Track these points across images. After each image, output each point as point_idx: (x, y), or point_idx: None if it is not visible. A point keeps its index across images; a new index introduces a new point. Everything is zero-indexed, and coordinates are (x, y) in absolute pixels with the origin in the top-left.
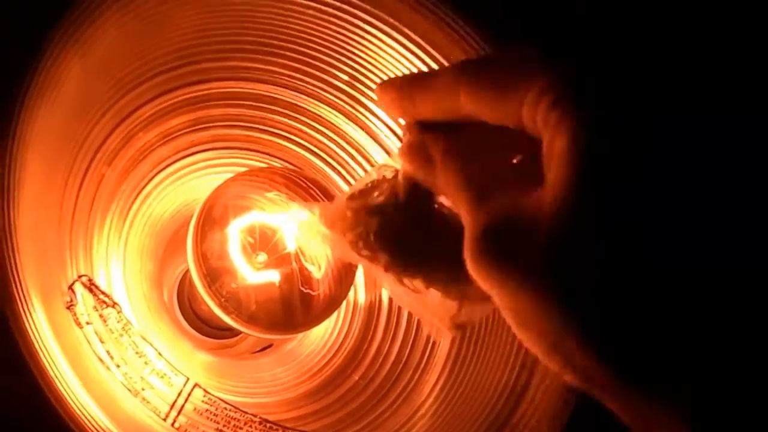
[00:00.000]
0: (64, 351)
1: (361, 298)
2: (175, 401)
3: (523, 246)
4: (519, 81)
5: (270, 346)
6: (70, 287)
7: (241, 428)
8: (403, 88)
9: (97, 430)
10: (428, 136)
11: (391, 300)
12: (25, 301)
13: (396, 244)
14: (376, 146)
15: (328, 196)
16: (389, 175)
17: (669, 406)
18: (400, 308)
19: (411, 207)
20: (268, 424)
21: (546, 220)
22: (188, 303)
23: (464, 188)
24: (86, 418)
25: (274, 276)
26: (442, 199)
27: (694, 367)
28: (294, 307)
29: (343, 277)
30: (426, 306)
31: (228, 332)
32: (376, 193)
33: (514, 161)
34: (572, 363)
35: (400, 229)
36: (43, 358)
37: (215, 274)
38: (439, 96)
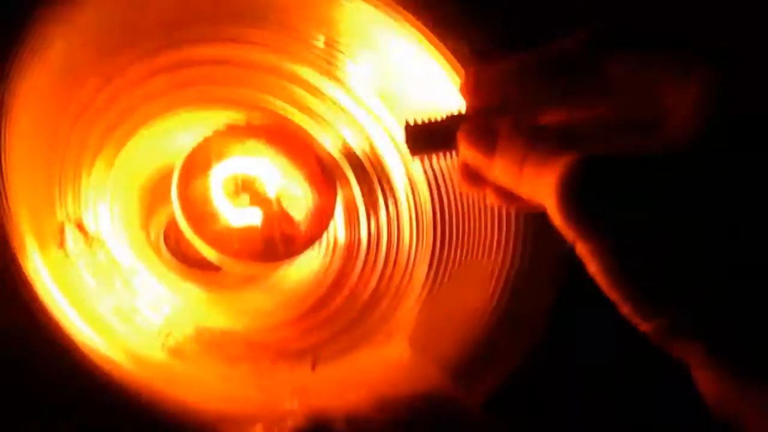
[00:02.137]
0: (59, 284)
1: (341, 236)
2: (164, 327)
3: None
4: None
5: (253, 280)
6: (61, 228)
7: (227, 349)
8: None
9: (93, 351)
10: (494, 115)
11: (369, 236)
12: (21, 241)
13: None
14: (351, 99)
15: (306, 147)
16: None
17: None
18: (378, 244)
19: None
20: (252, 345)
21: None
22: (174, 243)
23: (538, 144)
24: (84, 343)
25: (255, 217)
26: None
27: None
28: (275, 244)
29: (322, 216)
30: None
31: (213, 267)
32: None
33: None
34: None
35: None
36: (40, 292)
37: (200, 216)
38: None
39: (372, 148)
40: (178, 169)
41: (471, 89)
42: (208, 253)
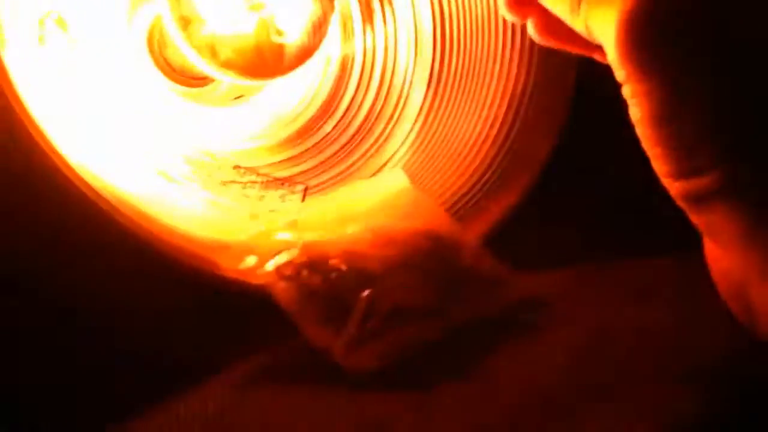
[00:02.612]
0: (40, 88)
1: (335, 51)
2: (149, 144)
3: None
4: None
5: (241, 96)
6: (41, 20)
7: (215, 172)
8: None
9: (80, 168)
10: None
11: (364, 53)
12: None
13: None
14: None
15: None
16: None
17: None
18: (373, 62)
19: None
20: (241, 169)
21: None
22: (159, 50)
23: None
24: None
25: (248, 22)
26: None
27: None
28: (268, 54)
29: (317, 28)
30: None
31: (200, 80)
32: None
33: None
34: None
35: None
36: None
37: (188, 18)
38: None
39: None
40: None
41: None
42: (196, 59)
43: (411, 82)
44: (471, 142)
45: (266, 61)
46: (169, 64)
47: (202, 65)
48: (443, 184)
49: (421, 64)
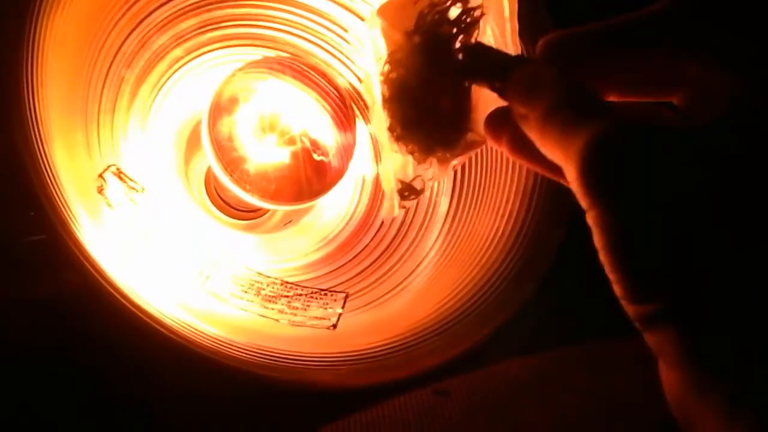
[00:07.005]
0: (104, 239)
1: (368, 173)
2: (203, 269)
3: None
4: None
5: (290, 222)
6: (101, 175)
7: (263, 289)
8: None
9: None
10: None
11: None
12: (58, 189)
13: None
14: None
15: (326, 78)
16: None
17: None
18: None
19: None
20: (287, 285)
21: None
22: (215, 192)
23: (575, 100)
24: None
25: (285, 154)
26: None
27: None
28: (308, 178)
29: (346, 151)
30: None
31: (253, 213)
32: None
33: None
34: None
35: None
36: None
37: (234, 163)
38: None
39: None
40: (206, 115)
41: (547, 47)
42: (249, 198)
43: (437, 193)
44: (491, 237)
45: (308, 185)
46: (227, 203)
47: (254, 202)
48: (466, 277)
49: (447, 177)
